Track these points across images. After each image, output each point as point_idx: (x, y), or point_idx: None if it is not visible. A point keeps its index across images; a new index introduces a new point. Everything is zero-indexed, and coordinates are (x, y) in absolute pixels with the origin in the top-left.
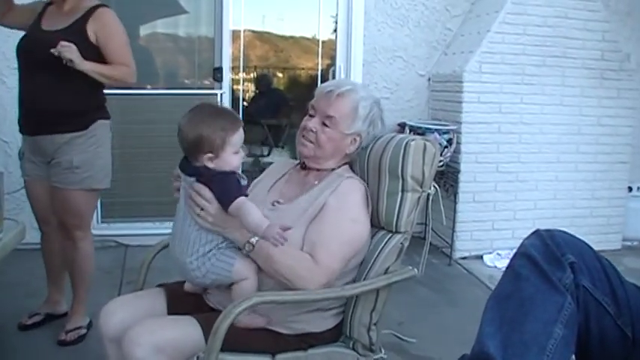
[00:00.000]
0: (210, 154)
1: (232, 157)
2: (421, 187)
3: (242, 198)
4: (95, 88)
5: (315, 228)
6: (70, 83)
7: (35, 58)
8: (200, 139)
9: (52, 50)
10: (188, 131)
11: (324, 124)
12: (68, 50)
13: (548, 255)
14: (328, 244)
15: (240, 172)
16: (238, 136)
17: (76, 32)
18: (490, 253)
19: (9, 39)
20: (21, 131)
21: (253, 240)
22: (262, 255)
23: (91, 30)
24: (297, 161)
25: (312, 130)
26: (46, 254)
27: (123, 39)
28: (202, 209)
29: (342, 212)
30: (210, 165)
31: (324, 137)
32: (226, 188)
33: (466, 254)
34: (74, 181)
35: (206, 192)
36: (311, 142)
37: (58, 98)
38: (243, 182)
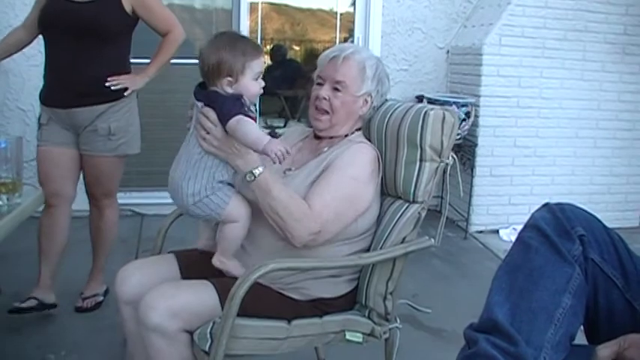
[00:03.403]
0: (229, 78)
1: (251, 83)
2: (439, 157)
3: (240, 115)
4: (126, 55)
5: (317, 181)
6: (105, 52)
7: (67, 31)
8: (220, 63)
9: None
10: (209, 55)
11: (336, 90)
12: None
13: (557, 227)
14: (322, 193)
15: (255, 101)
16: (259, 62)
17: (111, 3)
18: (506, 227)
19: (26, 7)
20: (51, 105)
21: (256, 171)
22: (262, 187)
23: (127, 2)
24: (312, 129)
25: (324, 98)
26: (50, 232)
27: (159, 5)
28: (209, 133)
29: (344, 169)
30: (229, 90)
31: (337, 102)
32: (225, 105)
33: (482, 228)
34: (110, 148)
35: (212, 114)
36: (325, 112)
37: (98, 67)
38: (251, 114)
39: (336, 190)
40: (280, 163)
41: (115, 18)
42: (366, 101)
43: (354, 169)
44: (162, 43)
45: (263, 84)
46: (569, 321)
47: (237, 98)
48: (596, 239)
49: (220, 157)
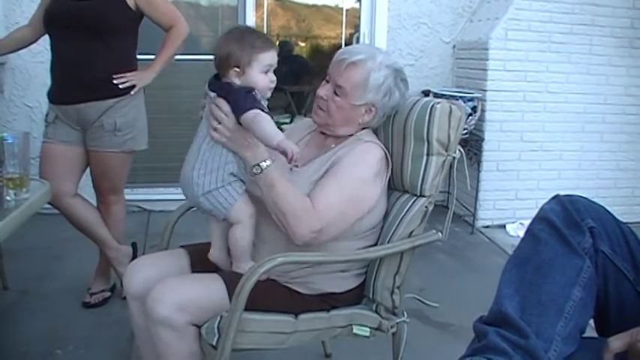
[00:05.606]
0: (236, 69)
1: (259, 75)
2: (446, 150)
3: (256, 110)
4: (132, 51)
5: (322, 180)
6: (111, 48)
7: (72, 29)
8: (229, 54)
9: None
10: (220, 46)
11: (335, 93)
12: (134, 81)
13: (567, 219)
14: (327, 193)
15: (267, 95)
16: (267, 55)
17: (115, 1)
18: (513, 222)
19: (32, 4)
20: (59, 102)
21: (263, 164)
22: (267, 181)
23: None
24: None
25: (323, 98)
26: (77, 222)
27: (162, 0)
28: (220, 123)
29: (350, 169)
30: (237, 81)
31: (333, 106)
32: (240, 98)
33: (489, 223)
34: (116, 144)
35: (225, 105)
36: (323, 110)
37: (105, 63)
38: (265, 109)
39: (341, 190)
40: (290, 162)
41: (119, 14)
42: (370, 111)
43: (360, 169)
44: (166, 38)
45: (274, 78)
46: (579, 313)
47: (249, 91)
48: (606, 231)
49: (230, 148)
